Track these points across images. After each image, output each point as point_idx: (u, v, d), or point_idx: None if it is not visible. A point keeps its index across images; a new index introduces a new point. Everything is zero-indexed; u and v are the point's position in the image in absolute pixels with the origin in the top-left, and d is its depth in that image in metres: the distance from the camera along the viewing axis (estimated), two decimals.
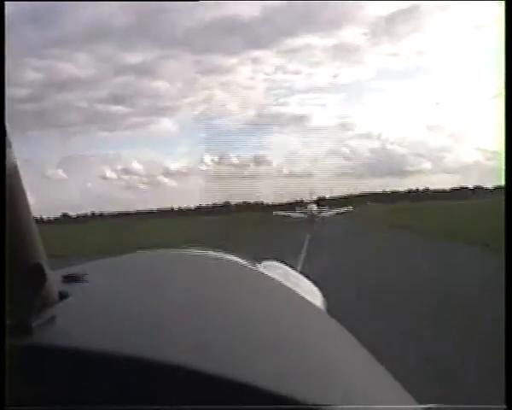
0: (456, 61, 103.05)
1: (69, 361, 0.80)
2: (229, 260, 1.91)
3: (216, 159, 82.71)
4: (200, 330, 0.96)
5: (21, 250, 0.85)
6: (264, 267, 2.07)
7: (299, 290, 1.74)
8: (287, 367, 0.88)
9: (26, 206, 0.86)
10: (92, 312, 1.01)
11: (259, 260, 2.19)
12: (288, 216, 51.99)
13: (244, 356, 0.88)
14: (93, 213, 75.00)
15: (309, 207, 55.19)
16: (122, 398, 0.76)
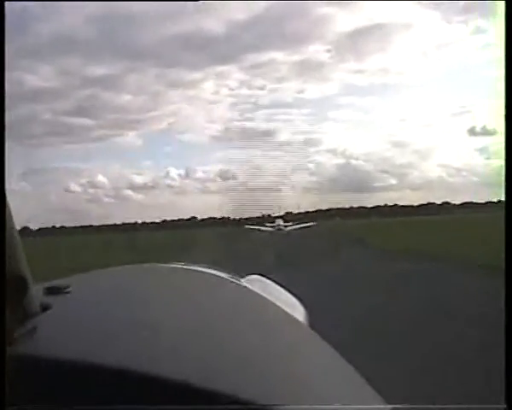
0: (420, 79, 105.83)
1: (47, 372, 0.80)
2: (212, 274, 1.95)
3: (182, 173, 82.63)
4: (180, 341, 0.97)
5: (4, 262, 0.86)
6: (247, 281, 2.12)
7: (280, 304, 1.77)
8: (259, 375, 0.92)
9: (9, 218, 0.87)
10: (72, 323, 1.02)
11: (243, 274, 2.23)
12: (258, 230, 53.18)
13: (220, 366, 0.90)
14: (53, 226, 73.16)
15: (276, 222, 56.58)
16: (102, 406, 0.78)
